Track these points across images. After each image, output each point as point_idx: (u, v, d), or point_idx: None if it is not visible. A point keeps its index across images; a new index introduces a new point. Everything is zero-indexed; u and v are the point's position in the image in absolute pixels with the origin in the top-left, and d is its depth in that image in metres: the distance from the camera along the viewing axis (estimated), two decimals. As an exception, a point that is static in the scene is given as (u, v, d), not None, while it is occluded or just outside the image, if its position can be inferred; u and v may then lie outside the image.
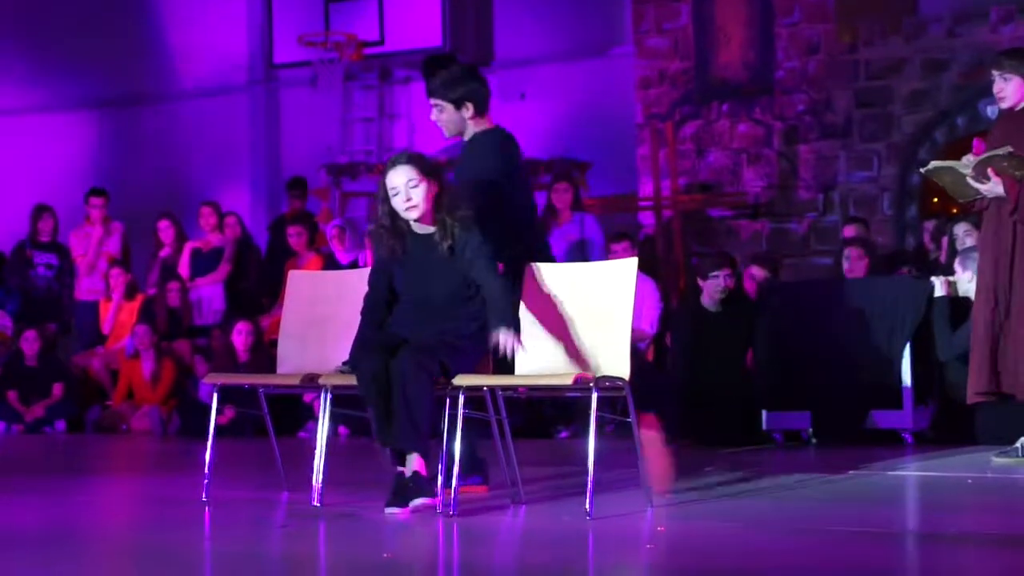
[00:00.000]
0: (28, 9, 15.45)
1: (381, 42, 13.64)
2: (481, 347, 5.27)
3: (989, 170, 6.67)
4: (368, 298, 5.48)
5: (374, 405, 5.11)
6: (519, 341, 5.13)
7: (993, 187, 6.73)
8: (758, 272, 9.76)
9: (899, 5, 11.63)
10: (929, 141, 11.58)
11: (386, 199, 5.32)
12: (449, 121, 5.95)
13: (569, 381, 5.02)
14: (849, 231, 10.20)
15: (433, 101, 5.99)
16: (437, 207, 5.28)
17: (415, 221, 5.31)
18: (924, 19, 11.60)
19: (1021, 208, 6.76)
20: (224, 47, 14.55)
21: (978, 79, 10.93)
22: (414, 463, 5.08)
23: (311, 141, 14.04)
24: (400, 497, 5.07)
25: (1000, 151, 6.62)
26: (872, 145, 11.64)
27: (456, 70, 6.02)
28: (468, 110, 5.93)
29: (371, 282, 5.49)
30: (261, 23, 14.36)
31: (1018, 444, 6.92)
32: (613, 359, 5.19)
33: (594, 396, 5.04)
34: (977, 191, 6.80)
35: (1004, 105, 6.94)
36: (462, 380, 5.17)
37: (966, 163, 6.76)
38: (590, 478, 4.98)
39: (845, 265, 9.28)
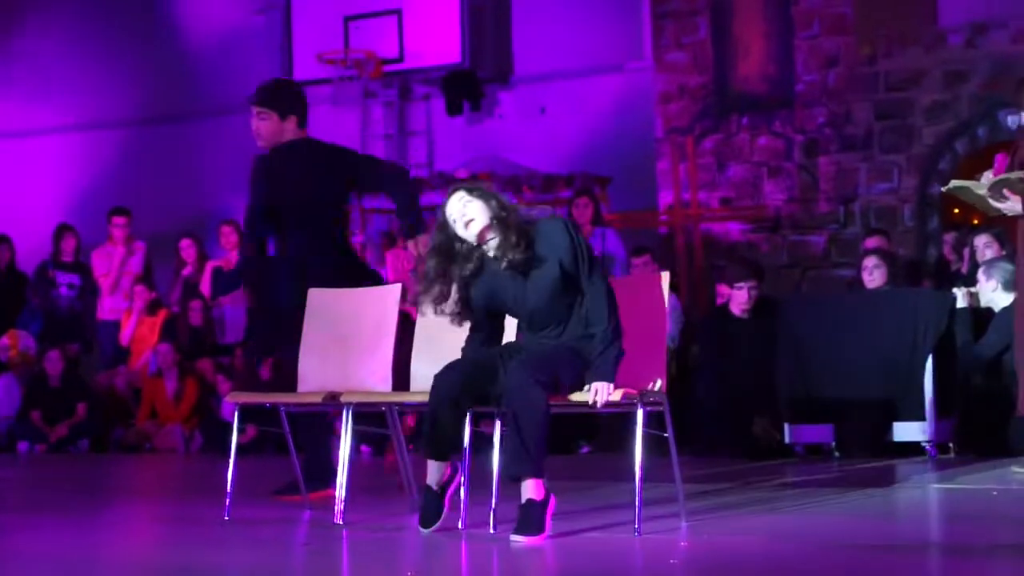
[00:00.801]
0: (51, 30, 15.54)
1: (400, 59, 13.66)
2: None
3: (1005, 190, 6.69)
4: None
5: (431, 415, 4.98)
6: (611, 392, 4.92)
7: (1012, 206, 6.75)
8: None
9: (918, 16, 11.62)
10: (950, 152, 11.56)
11: (443, 227, 5.11)
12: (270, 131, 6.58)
13: (617, 398, 4.93)
14: (871, 243, 10.18)
15: (257, 110, 6.56)
16: (499, 223, 5.04)
17: (479, 241, 5.09)
18: (943, 30, 11.58)
19: None
20: (244, 65, 14.59)
21: (998, 89, 10.92)
22: (531, 490, 4.88)
23: (331, 159, 14.04)
24: (525, 526, 4.84)
25: (1013, 175, 6.66)
26: (892, 157, 11.62)
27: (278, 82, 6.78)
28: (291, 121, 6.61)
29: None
30: (281, 41, 14.41)
31: None
32: (651, 374, 5.13)
33: (640, 412, 4.98)
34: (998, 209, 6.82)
35: None
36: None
37: (983, 183, 6.78)
38: (638, 494, 4.93)
39: (864, 275, 9.26)
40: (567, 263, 5.02)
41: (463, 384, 4.96)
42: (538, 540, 4.82)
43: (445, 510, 5.08)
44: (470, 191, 5.10)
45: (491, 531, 4.98)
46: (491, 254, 5.08)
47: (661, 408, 5.13)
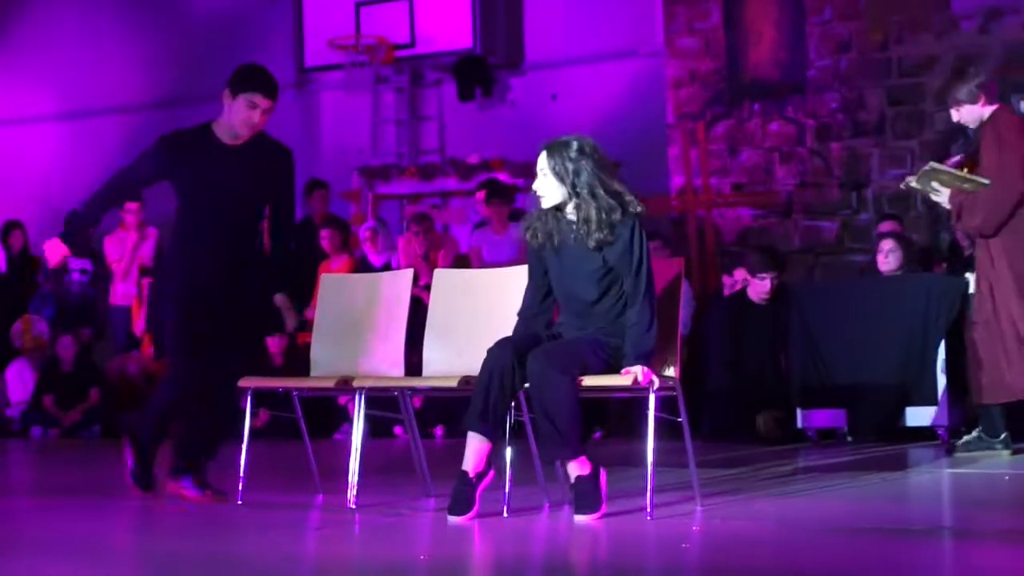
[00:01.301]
0: (61, 17, 15.55)
1: (412, 45, 13.64)
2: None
3: (934, 183, 7.00)
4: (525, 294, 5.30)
5: (481, 389, 4.95)
6: (651, 375, 4.96)
7: (941, 199, 7.04)
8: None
9: (931, 2, 11.57)
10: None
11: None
12: None
13: (629, 382, 4.94)
14: (884, 228, 10.15)
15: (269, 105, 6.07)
16: (575, 192, 5.04)
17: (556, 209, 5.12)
18: (956, 15, 11.54)
19: (962, 219, 7.08)
20: (255, 51, 14.58)
21: (1011, 75, 10.88)
22: (575, 468, 4.91)
23: (343, 144, 14.06)
24: (582, 503, 4.89)
25: (942, 167, 7.05)
26: (905, 142, 11.59)
27: None
28: None
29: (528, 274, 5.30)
30: (292, 26, 14.39)
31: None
32: (665, 359, 5.13)
33: (652, 397, 4.98)
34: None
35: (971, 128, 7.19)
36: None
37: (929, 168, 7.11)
38: (650, 477, 4.94)
39: (879, 258, 9.24)
40: (612, 259, 5.04)
41: (514, 359, 4.94)
42: (598, 515, 4.86)
43: (477, 503, 4.98)
44: (551, 159, 5.07)
45: (504, 515, 4.99)
46: (562, 226, 5.10)
47: (674, 393, 5.13)
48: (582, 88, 13.18)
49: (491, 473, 5.03)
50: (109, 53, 15.29)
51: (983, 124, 7.06)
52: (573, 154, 5.05)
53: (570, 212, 5.09)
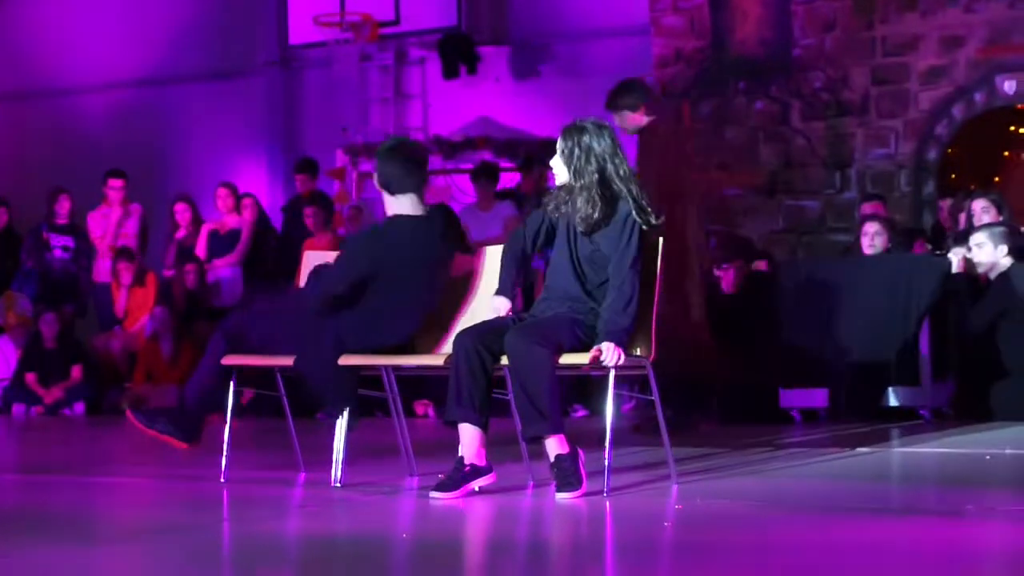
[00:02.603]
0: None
1: (396, 22, 13.62)
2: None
3: None
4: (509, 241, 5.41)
5: (452, 381, 4.99)
6: (622, 357, 4.99)
7: None
8: (763, 267, 9.79)
9: (916, -20, 11.58)
10: (947, 117, 11.54)
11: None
12: None
13: (586, 360, 4.99)
14: (867, 208, 10.16)
15: None
16: (576, 176, 5.12)
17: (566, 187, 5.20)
18: (941, -6, 11.55)
19: None
20: (241, 29, 14.54)
21: (996, 55, 10.90)
22: (554, 446, 4.95)
23: (327, 122, 14.04)
24: (563, 482, 4.92)
25: None
26: (889, 122, 11.60)
27: None
28: None
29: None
30: (277, 4, 14.35)
31: None
32: (635, 339, 5.16)
33: (611, 374, 5.03)
34: None
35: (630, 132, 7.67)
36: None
37: None
38: (607, 454, 4.97)
39: (864, 241, 9.23)
40: (605, 246, 5.11)
41: (477, 342, 4.97)
42: (579, 493, 4.89)
43: (464, 487, 4.99)
44: (563, 140, 5.15)
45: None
46: (565, 206, 5.19)
47: (644, 372, 5.15)
48: (567, 65, 13.16)
49: (492, 475, 5.05)
50: (94, 29, 15.22)
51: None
52: (585, 139, 5.12)
53: (573, 194, 5.17)
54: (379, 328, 5.45)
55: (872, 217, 9.52)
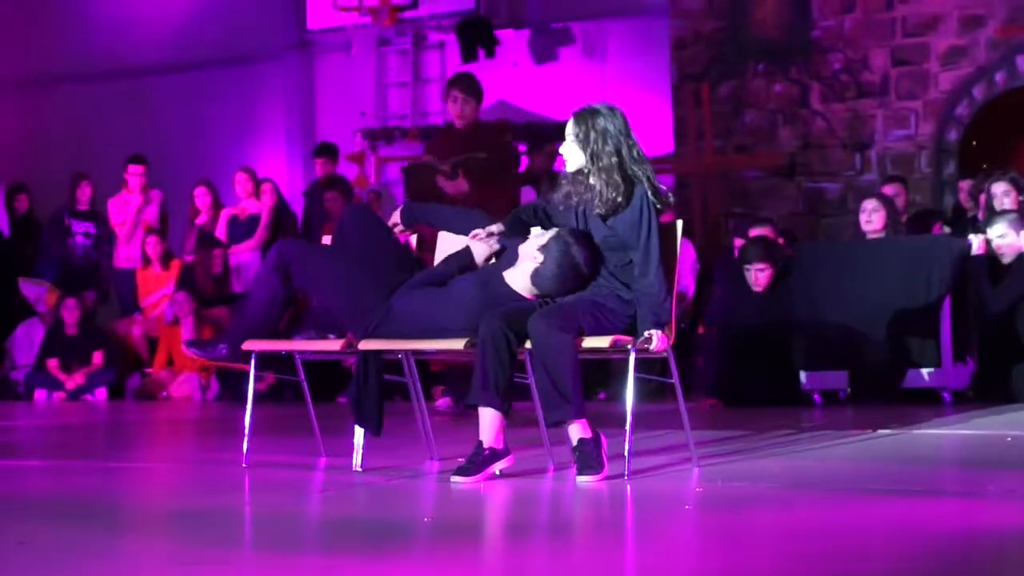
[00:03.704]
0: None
1: (414, 6, 13.58)
2: (629, 314, 5.10)
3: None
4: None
5: (478, 365, 4.97)
6: (667, 341, 5.00)
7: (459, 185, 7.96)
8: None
9: (936, -40, 11.52)
10: (967, 98, 11.48)
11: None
12: None
13: (606, 344, 4.99)
14: (887, 190, 10.11)
15: None
16: (593, 160, 5.09)
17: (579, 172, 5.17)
18: (961, -27, 11.49)
19: None
20: (258, 13, 14.53)
21: (1016, 34, 10.84)
22: (577, 431, 4.95)
23: (346, 107, 14.03)
24: (585, 465, 4.91)
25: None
26: (909, 103, 11.55)
27: None
28: None
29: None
30: (295, -12, 14.34)
31: None
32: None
33: (632, 357, 5.01)
34: None
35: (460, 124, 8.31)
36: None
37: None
38: (628, 439, 4.96)
39: (862, 217, 9.11)
40: (622, 230, 5.08)
41: (503, 325, 4.94)
42: (600, 477, 4.89)
43: (484, 472, 4.98)
44: (577, 125, 5.12)
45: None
46: (583, 189, 5.14)
47: (666, 355, 5.13)
48: (585, 48, 13.11)
49: (510, 457, 5.04)
50: (109, 15, 15.22)
51: None
52: (600, 123, 5.10)
53: (590, 179, 5.13)
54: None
55: (871, 195, 9.42)
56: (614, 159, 5.07)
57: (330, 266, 5.48)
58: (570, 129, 5.15)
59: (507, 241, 5.30)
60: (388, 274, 5.38)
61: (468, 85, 8.45)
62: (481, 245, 5.33)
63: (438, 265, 5.44)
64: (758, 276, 8.85)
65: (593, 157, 5.10)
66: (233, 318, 5.90)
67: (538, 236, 5.17)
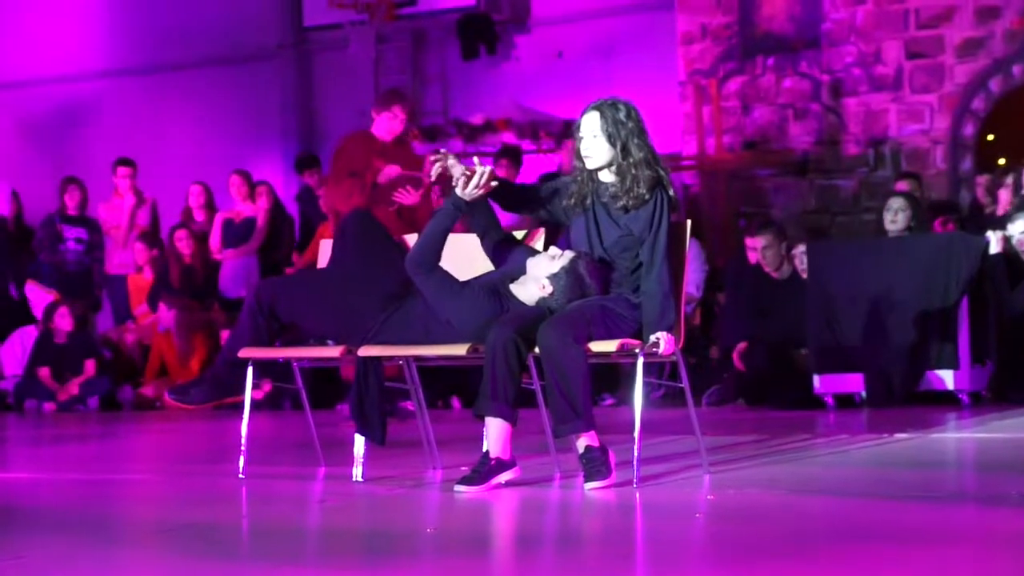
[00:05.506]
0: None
1: (413, 2, 13.48)
2: (638, 319, 5.02)
3: None
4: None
5: (487, 373, 4.87)
6: (675, 344, 4.94)
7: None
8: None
9: (949, -50, 11.39)
10: (983, 91, 11.34)
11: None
12: None
13: (613, 348, 4.89)
14: (901, 187, 9.95)
15: None
16: (623, 154, 4.97)
17: (595, 170, 5.08)
18: (975, -36, 11.36)
19: None
20: (253, 11, 14.40)
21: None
22: (585, 439, 4.88)
23: (344, 105, 13.92)
24: (592, 472, 4.86)
25: None
26: (923, 97, 11.43)
27: None
28: None
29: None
30: (291, -16, 14.24)
31: None
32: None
33: (639, 362, 4.96)
34: None
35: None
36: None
37: None
38: (636, 445, 4.91)
39: (887, 216, 8.94)
40: (636, 228, 5.01)
41: (515, 333, 4.86)
42: (608, 483, 4.86)
43: (490, 482, 4.90)
44: (604, 120, 5.00)
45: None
46: (598, 188, 5.07)
47: (674, 359, 5.10)
48: (589, 45, 13.01)
49: (517, 469, 4.96)
50: (103, 15, 15.14)
51: None
52: (622, 116, 5.02)
53: (609, 175, 5.04)
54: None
55: (896, 193, 9.27)
56: (642, 153, 4.99)
57: (316, 293, 5.44)
58: (593, 124, 5.04)
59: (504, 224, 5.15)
60: (386, 282, 5.32)
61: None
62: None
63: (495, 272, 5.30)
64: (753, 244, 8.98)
65: (623, 151, 4.99)
66: (219, 355, 5.80)
67: (548, 260, 5.05)
